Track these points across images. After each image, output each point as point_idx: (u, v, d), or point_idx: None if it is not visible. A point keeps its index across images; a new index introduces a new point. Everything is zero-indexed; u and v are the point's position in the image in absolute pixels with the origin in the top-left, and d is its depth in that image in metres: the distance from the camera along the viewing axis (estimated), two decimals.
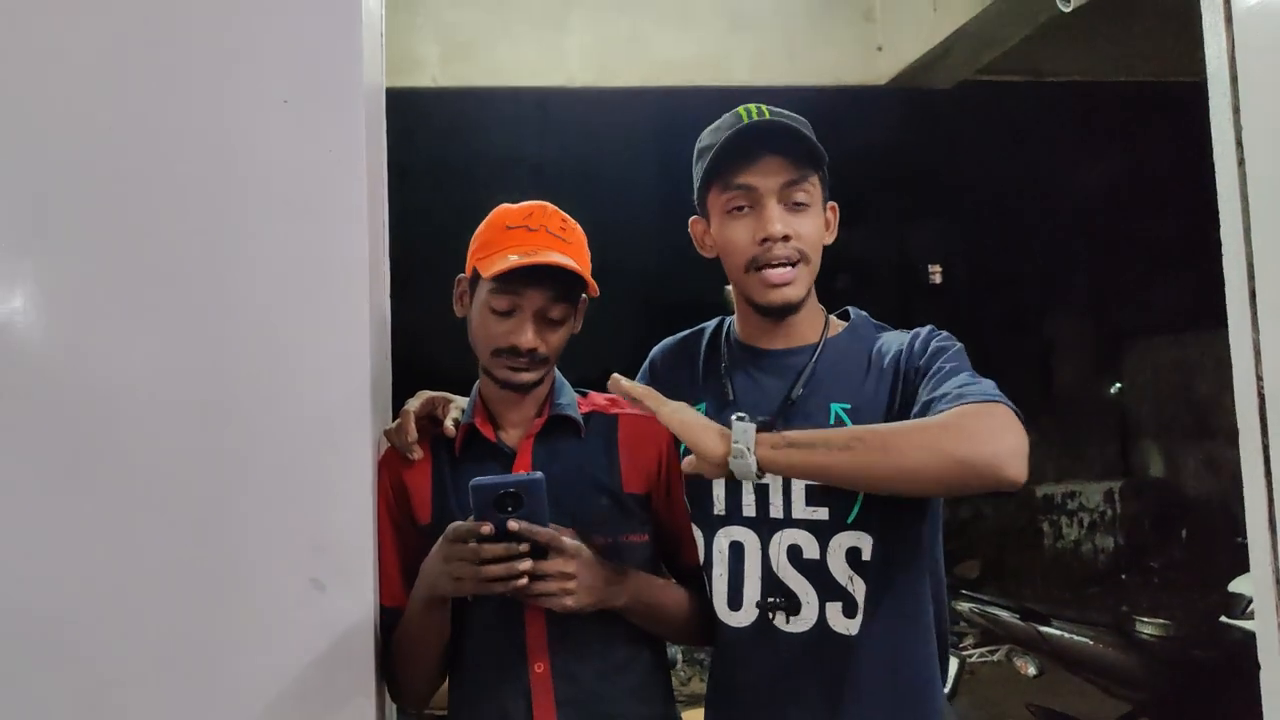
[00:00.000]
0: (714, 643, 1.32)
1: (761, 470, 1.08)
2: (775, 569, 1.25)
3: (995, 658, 3.93)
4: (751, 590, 1.26)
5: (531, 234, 1.27)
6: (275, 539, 1.27)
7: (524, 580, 1.11)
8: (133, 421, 1.27)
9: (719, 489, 1.29)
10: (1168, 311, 9.58)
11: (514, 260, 1.22)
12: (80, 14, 1.28)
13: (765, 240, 1.24)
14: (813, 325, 1.33)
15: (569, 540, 1.15)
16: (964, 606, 3.20)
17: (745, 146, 1.25)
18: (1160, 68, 4.53)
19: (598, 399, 1.39)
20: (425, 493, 1.33)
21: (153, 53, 1.29)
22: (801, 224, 1.26)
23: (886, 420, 1.23)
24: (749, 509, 1.27)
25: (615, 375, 1.17)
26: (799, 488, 1.24)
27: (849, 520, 1.22)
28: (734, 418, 1.10)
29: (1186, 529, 8.71)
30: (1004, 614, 2.95)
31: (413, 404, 1.36)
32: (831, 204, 1.33)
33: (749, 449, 1.06)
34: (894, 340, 1.31)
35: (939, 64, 4.19)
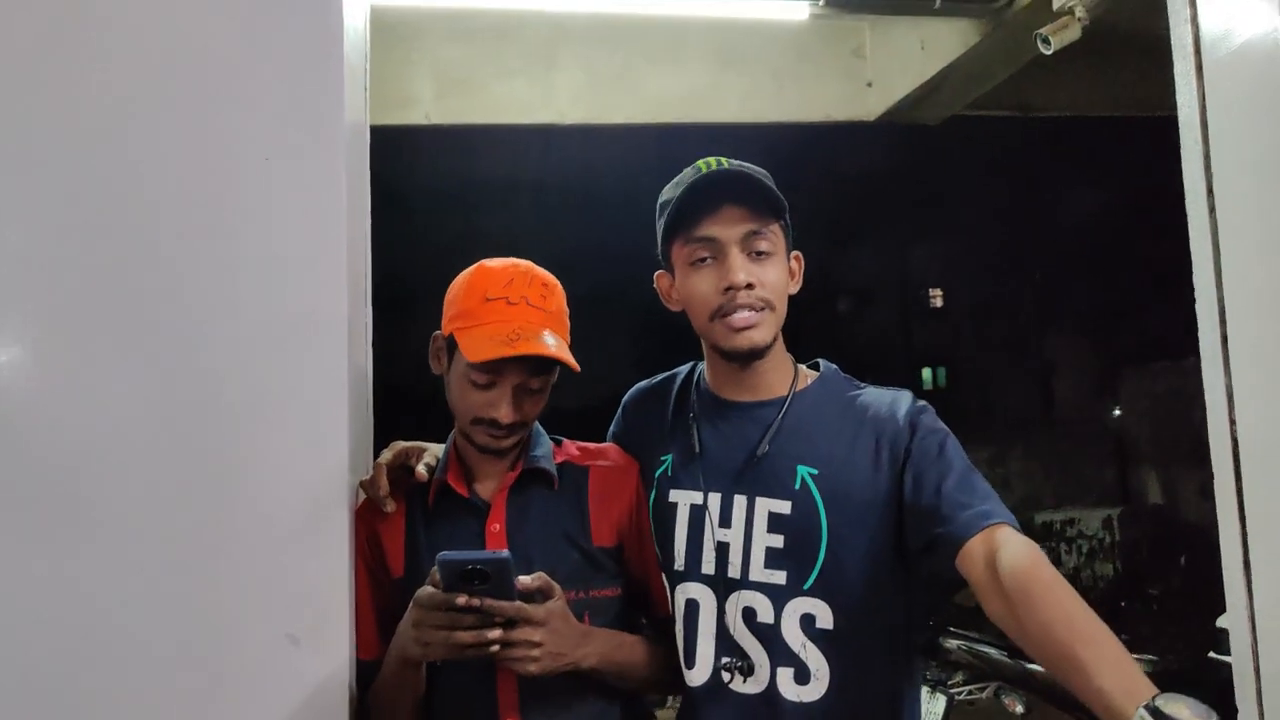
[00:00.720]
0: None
1: None
2: (731, 629, 1.23)
3: (984, 695, 3.90)
4: (706, 648, 1.25)
5: (511, 307, 1.26)
6: (251, 594, 1.28)
7: (495, 647, 1.13)
8: (109, 475, 1.28)
9: (680, 544, 1.29)
10: (1166, 338, 9.60)
11: (495, 351, 1.22)
12: (67, 76, 1.31)
13: (729, 289, 1.24)
14: (781, 377, 1.33)
15: (537, 610, 1.16)
16: (952, 644, 3.18)
17: (705, 198, 1.25)
18: (1150, 102, 4.58)
19: (571, 449, 1.41)
20: (399, 546, 1.34)
21: (138, 109, 1.32)
22: (765, 272, 1.26)
23: (859, 486, 1.22)
24: (708, 566, 1.26)
25: None
26: (759, 548, 1.23)
27: (805, 587, 1.21)
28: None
29: (1186, 556, 8.65)
30: (992, 651, 2.93)
31: (385, 456, 1.38)
32: (796, 253, 1.33)
33: None
34: (874, 403, 1.29)
35: (928, 100, 4.23)
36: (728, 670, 1.22)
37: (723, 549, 1.25)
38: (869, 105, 4.35)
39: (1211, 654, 3.06)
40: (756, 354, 1.28)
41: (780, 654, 1.22)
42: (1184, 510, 9.34)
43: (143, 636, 1.27)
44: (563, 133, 4.23)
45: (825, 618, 1.21)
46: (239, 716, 1.26)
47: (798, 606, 1.22)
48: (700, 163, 1.30)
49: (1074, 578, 9.21)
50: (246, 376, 1.31)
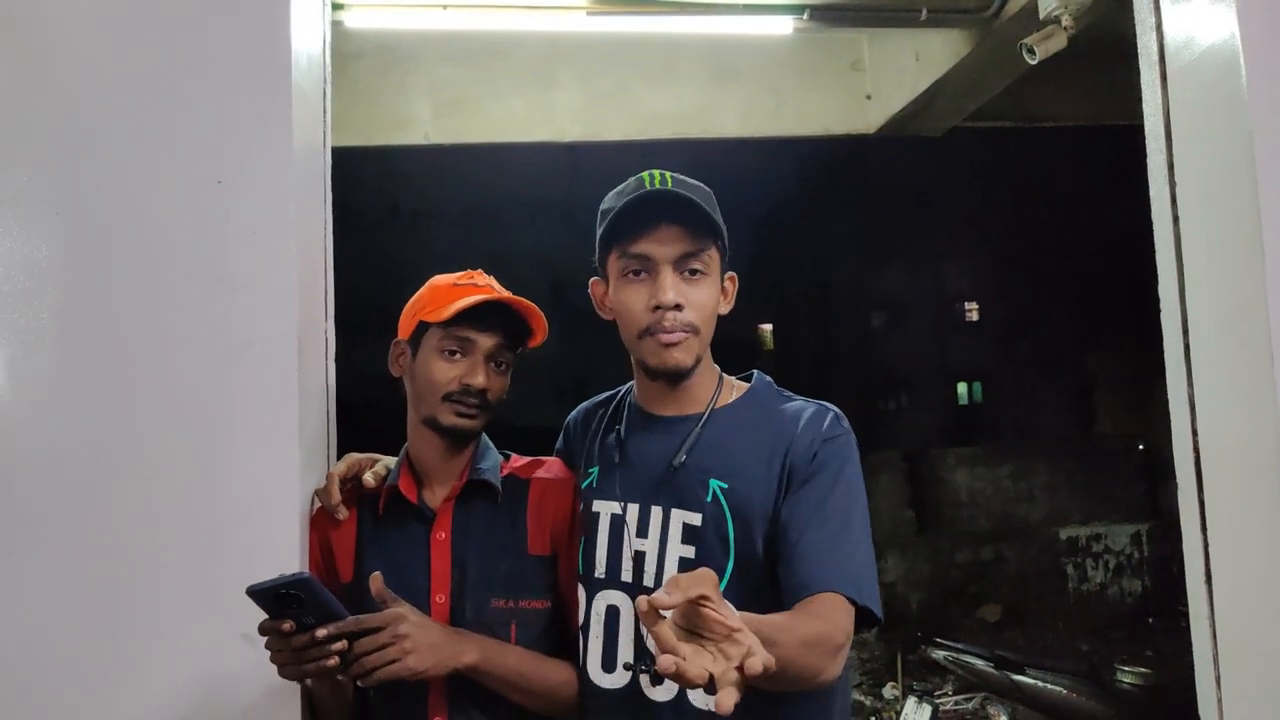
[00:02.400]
0: (584, 707, 1.31)
1: None
2: (645, 637, 1.24)
3: (970, 705, 3.85)
4: (625, 654, 1.27)
5: (479, 288, 1.36)
6: (207, 596, 1.34)
7: (334, 661, 1.15)
8: (68, 482, 1.34)
9: (601, 552, 1.31)
10: None
11: (476, 299, 1.30)
12: (23, 105, 1.38)
13: (658, 308, 1.25)
14: (705, 391, 1.33)
15: (373, 615, 1.19)
16: (939, 654, 3.15)
17: (644, 215, 1.25)
18: None
19: (516, 462, 1.45)
20: (349, 552, 1.38)
21: (91, 135, 1.38)
22: (696, 293, 1.26)
23: (763, 500, 1.23)
24: (626, 574, 1.28)
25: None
26: (673, 558, 1.25)
27: None
28: None
29: None
30: (978, 662, 2.90)
31: (339, 467, 1.42)
32: (730, 275, 1.34)
33: None
34: (792, 418, 1.28)
35: (925, 112, 4.22)
36: (632, 670, 1.24)
37: (639, 558, 1.27)
38: (869, 118, 4.36)
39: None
40: (680, 374, 1.29)
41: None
42: None
43: (105, 638, 1.33)
44: (561, 151, 4.29)
45: None
46: (198, 712, 1.32)
47: None
48: (644, 174, 1.29)
49: (1100, 594, 9.05)
50: (199, 391, 1.37)
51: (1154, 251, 1.67)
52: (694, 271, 1.27)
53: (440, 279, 1.40)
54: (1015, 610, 8.50)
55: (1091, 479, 10.34)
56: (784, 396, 1.34)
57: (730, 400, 1.33)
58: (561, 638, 1.35)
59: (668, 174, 1.29)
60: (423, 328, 1.35)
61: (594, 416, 1.45)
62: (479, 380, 1.32)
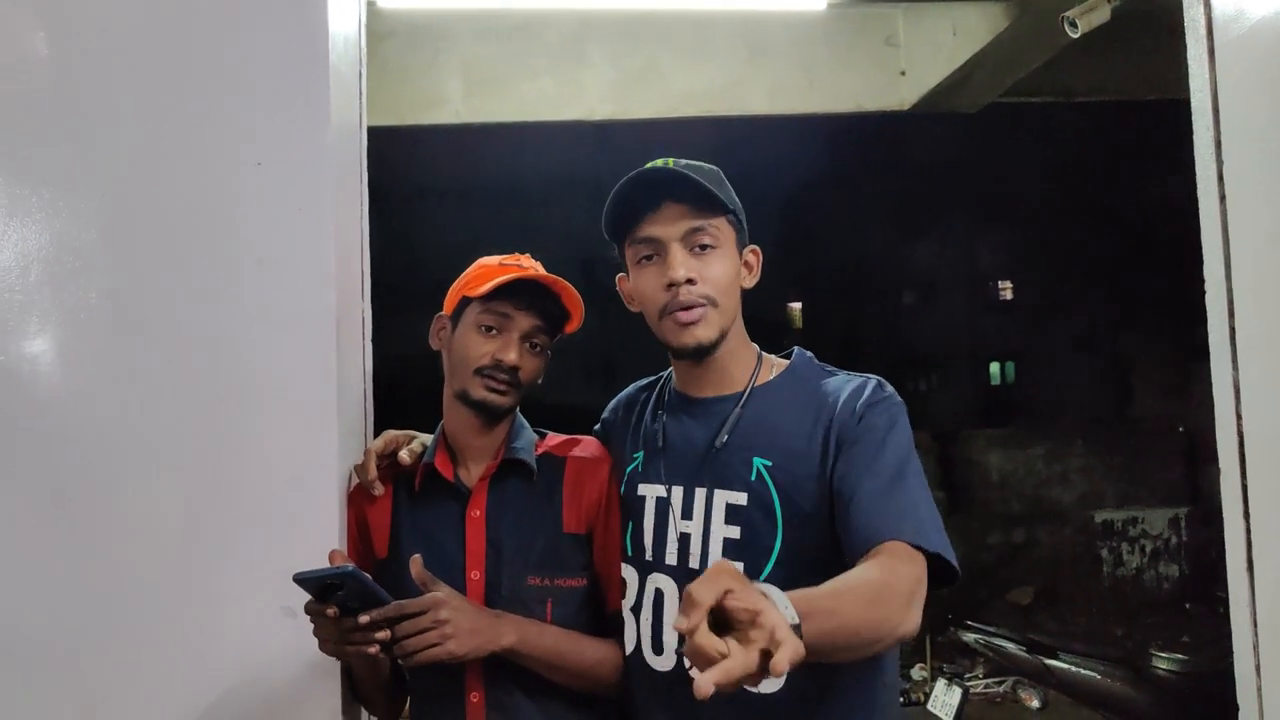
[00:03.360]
0: (631, 686, 1.33)
1: None
2: None
3: (1001, 689, 3.83)
4: (672, 636, 1.27)
5: (524, 269, 1.38)
6: (250, 570, 1.37)
7: (376, 648, 1.18)
8: (115, 460, 1.37)
9: (648, 535, 1.31)
10: None
11: (514, 276, 1.33)
12: (71, 91, 1.40)
13: (671, 285, 1.25)
14: (743, 370, 1.33)
15: (414, 601, 1.21)
16: (970, 637, 3.14)
17: (642, 197, 1.27)
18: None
19: (552, 440, 1.46)
20: (384, 528, 1.41)
21: (135, 120, 1.40)
22: (707, 267, 1.26)
23: (811, 476, 1.22)
24: (671, 557, 1.28)
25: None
26: (717, 539, 1.25)
27: (761, 577, 1.21)
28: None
29: None
30: (1010, 646, 2.89)
31: (376, 443, 1.44)
32: (753, 247, 1.34)
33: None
34: (834, 391, 1.28)
35: (961, 88, 4.14)
36: (680, 654, 1.25)
37: (684, 540, 1.27)
38: (902, 94, 4.29)
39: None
40: (703, 350, 1.28)
41: None
42: None
43: (150, 607, 1.37)
44: (591, 129, 4.27)
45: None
46: (241, 682, 1.36)
47: None
48: (650, 165, 1.30)
49: (1136, 578, 8.95)
50: (240, 370, 1.39)
51: (1193, 230, 1.63)
52: (704, 246, 1.27)
53: (487, 259, 1.42)
54: (1048, 594, 8.45)
55: (1128, 462, 10.18)
56: (826, 372, 1.34)
57: (770, 378, 1.33)
58: (599, 616, 1.37)
59: (671, 160, 1.30)
60: (464, 303, 1.38)
61: (636, 401, 1.46)
62: (511, 357, 1.34)
